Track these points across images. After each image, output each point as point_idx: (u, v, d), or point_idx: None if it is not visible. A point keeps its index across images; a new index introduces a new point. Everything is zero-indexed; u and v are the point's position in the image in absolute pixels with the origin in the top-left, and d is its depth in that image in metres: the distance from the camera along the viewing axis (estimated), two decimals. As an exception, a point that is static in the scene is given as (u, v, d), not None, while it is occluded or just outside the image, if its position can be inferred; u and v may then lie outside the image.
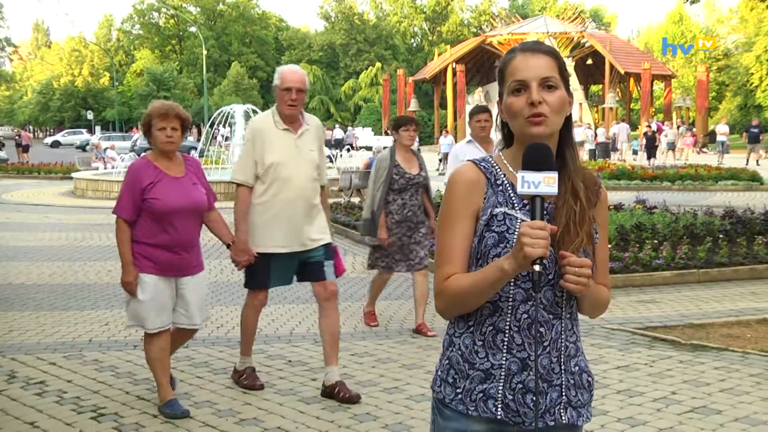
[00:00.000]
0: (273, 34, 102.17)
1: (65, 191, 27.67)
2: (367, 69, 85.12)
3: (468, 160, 2.59)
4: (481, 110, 8.36)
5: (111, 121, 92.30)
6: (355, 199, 20.06)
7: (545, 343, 2.43)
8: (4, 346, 7.90)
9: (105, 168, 34.88)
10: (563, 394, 2.47)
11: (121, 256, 5.79)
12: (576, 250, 2.38)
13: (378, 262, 8.51)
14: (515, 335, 2.42)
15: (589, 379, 2.56)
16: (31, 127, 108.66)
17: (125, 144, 54.30)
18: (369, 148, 49.23)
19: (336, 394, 6.20)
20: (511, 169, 2.50)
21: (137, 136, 58.83)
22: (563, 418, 2.47)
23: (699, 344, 7.61)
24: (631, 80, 61.10)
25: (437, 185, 11.23)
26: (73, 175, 29.98)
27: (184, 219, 5.85)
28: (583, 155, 42.17)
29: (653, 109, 61.00)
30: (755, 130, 38.88)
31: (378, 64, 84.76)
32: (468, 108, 61.74)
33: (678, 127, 46.96)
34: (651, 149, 38.90)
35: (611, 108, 56.52)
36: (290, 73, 6.27)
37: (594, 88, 72.84)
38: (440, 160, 35.88)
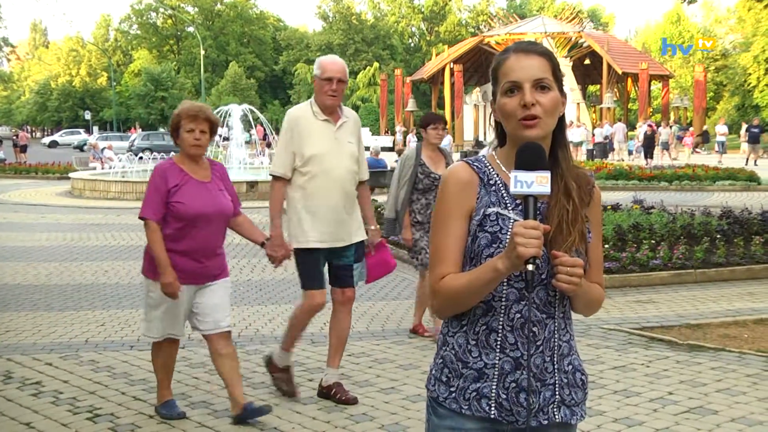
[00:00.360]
0: (271, 34, 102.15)
1: (62, 191, 27.65)
2: (364, 69, 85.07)
3: (461, 160, 2.60)
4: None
5: (109, 121, 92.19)
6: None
7: (538, 343, 2.44)
8: (0, 346, 7.89)
9: (102, 168, 34.86)
10: (556, 393, 2.48)
11: (157, 259, 5.48)
12: (568, 250, 2.39)
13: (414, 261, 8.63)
14: (508, 335, 2.43)
15: (583, 377, 2.57)
16: (28, 127, 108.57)
17: (123, 144, 54.35)
18: (367, 148, 49.22)
19: (333, 395, 6.18)
20: (504, 168, 2.50)
21: (135, 136, 58.89)
22: (556, 416, 2.48)
23: (696, 344, 7.60)
24: (629, 80, 61.14)
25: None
26: (71, 175, 29.95)
27: (208, 225, 5.61)
28: (582, 155, 42.25)
29: (651, 110, 61.05)
30: (756, 130, 38.95)
31: (376, 64, 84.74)
32: (466, 108, 61.92)
33: (670, 127, 47.00)
34: (649, 149, 38.93)
35: (609, 108, 56.53)
36: (331, 63, 6.08)
37: (592, 88, 72.87)
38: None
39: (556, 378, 2.48)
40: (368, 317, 9.03)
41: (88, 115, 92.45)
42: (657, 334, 8.01)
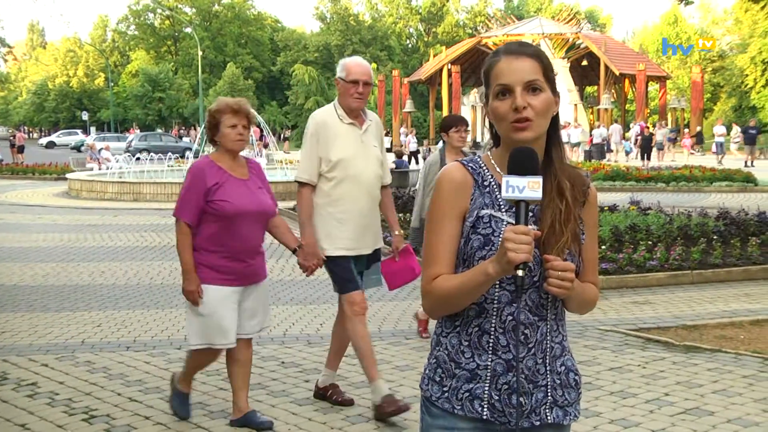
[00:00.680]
0: (268, 35, 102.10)
1: (60, 192, 27.63)
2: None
3: (456, 161, 2.59)
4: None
5: (106, 121, 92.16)
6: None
7: (530, 345, 2.45)
8: (-4, 347, 7.90)
9: (100, 169, 34.85)
10: (549, 394, 2.48)
11: (183, 263, 5.35)
12: (561, 251, 2.39)
13: None
14: (500, 337, 2.43)
15: (576, 377, 2.57)
16: (25, 128, 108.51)
17: (120, 145, 54.31)
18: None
19: (329, 396, 6.16)
20: (498, 170, 2.50)
21: (132, 137, 58.82)
22: (549, 417, 2.48)
23: (692, 345, 7.61)
24: (626, 81, 61.19)
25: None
26: (68, 175, 29.93)
27: (251, 224, 5.44)
28: (580, 156, 42.28)
29: (648, 111, 61.11)
30: (753, 132, 39.01)
31: (373, 65, 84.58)
32: (464, 109, 61.91)
33: (668, 129, 47.03)
34: (646, 150, 38.96)
35: (606, 109, 56.57)
36: (356, 65, 5.89)
37: (589, 89, 72.91)
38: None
39: (549, 379, 2.48)
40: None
41: (85, 116, 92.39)
42: (653, 335, 8.01)
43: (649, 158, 38.49)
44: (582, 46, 60.66)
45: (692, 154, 46.69)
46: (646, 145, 39.28)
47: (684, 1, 21.89)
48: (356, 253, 5.87)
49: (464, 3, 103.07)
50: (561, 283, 2.32)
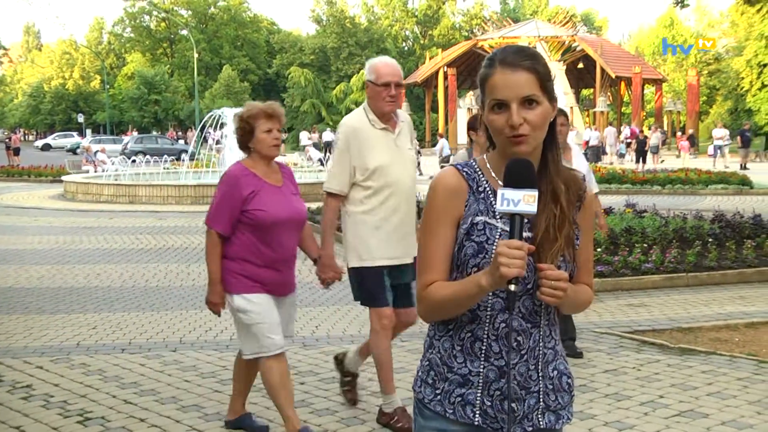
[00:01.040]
0: (264, 38, 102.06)
1: (55, 194, 27.60)
2: (358, 72, 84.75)
3: (451, 165, 2.57)
4: (557, 113, 7.86)
5: (102, 124, 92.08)
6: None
7: (522, 352, 2.44)
8: (-9, 349, 7.89)
9: (95, 171, 34.82)
10: (541, 399, 2.48)
11: (210, 273, 5.19)
12: (555, 256, 2.38)
13: None
14: (493, 344, 2.43)
15: (569, 381, 2.57)
16: (21, 130, 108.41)
17: (116, 147, 54.19)
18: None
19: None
20: (493, 174, 2.48)
21: (128, 139, 58.76)
22: (541, 423, 2.48)
23: (687, 348, 7.62)
24: (622, 84, 61.29)
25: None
26: (64, 178, 29.94)
27: (287, 232, 5.26)
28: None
29: (644, 113, 61.15)
30: (748, 134, 39.18)
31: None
32: (460, 112, 61.92)
33: (662, 132, 47.10)
34: (641, 153, 39.04)
35: (602, 112, 56.64)
36: (385, 66, 5.60)
37: (585, 92, 73.00)
38: (441, 165, 35.87)
39: (541, 385, 2.48)
40: (360, 320, 9.02)
41: (81, 118, 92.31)
42: (648, 338, 8.02)
43: (644, 161, 38.57)
44: (578, 48, 60.73)
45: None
46: (640, 149, 39.35)
47: (680, 4, 21.85)
48: (398, 262, 5.58)
49: (460, 6, 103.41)
50: (554, 292, 2.31)
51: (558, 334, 2.57)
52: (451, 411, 2.46)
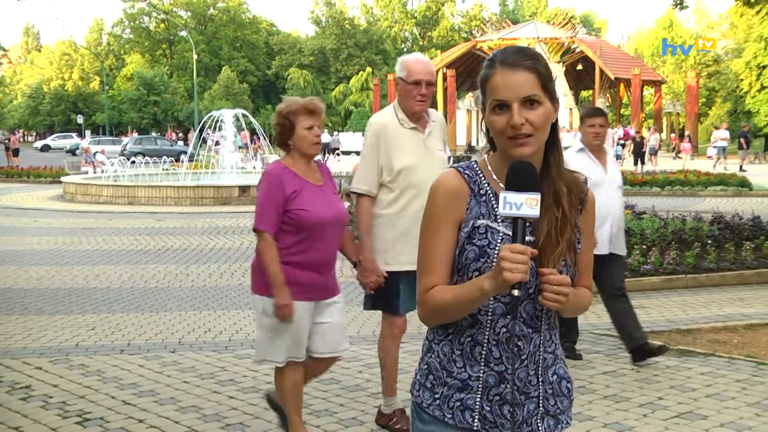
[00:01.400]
0: (264, 39, 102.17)
1: (54, 195, 27.59)
2: (357, 74, 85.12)
3: (451, 167, 2.53)
4: (594, 113, 7.33)
5: (101, 125, 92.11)
6: (345, 204, 20.01)
7: (523, 357, 2.41)
8: (-10, 350, 7.89)
9: (95, 172, 34.82)
10: (540, 405, 2.46)
11: (272, 277, 4.89)
12: (557, 260, 2.36)
13: None
14: (493, 348, 2.40)
15: (568, 385, 2.55)
16: (20, 131, 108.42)
17: (115, 148, 54.19)
18: (358, 153, 49.21)
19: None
20: (495, 177, 2.45)
21: (128, 140, 58.76)
22: (540, 428, 2.46)
23: (686, 350, 7.62)
24: (621, 86, 61.32)
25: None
26: (63, 179, 29.94)
27: (330, 233, 5.04)
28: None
29: (643, 115, 61.18)
30: (748, 136, 39.28)
31: (368, 69, 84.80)
32: (459, 113, 61.97)
33: (659, 133, 47.17)
34: (639, 155, 39.08)
35: (601, 113, 56.59)
36: (417, 63, 5.42)
37: (584, 93, 73.03)
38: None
39: (540, 390, 2.46)
40: (359, 321, 9.03)
41: (80, 119, 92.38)
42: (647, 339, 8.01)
43: (643, 162, 38.61)
44: (577, 50, 60.75)
45: (680, 158, 46.76)
46: (638, 150, 39.39)
47: (679, 6, 21.84)
48: None
49: (459, 7, 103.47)
50: (556, 297, 2.29)
51: (558, 338, 2.56)
52: (450, 416, 2.43)
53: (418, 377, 2.56)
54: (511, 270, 2.15)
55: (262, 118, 78.05)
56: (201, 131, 38.51)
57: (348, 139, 62.52)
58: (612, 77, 56.99)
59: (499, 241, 2.35)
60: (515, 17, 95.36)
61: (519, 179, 2.25)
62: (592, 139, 7.14)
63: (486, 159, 2.52)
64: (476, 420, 2.41)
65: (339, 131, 71.91)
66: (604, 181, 7.09)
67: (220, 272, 12.23)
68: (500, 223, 2.38)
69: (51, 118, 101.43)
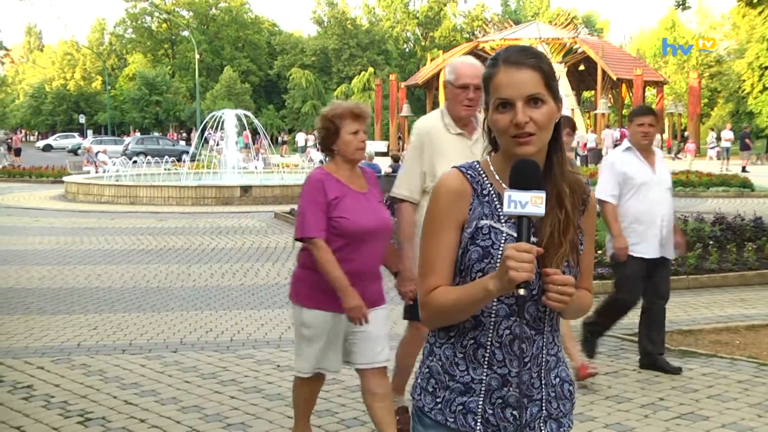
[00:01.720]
0: (266, 39, 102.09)
1: (56, 195, 27.59)
2: (359, 74, 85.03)
3: (454, 167, 2.51)
4: (643, 112, 7.12)
5: (103, 125, 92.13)
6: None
7: (526, 359, 2.40)
8: (-9, 350, 7.89)
9: (96, 172, 34.83)
10: (543, 407, 2.44)
11: (335, 281, 4.63)
12: (560, 262, 2.34)
13: None
14: (496, 351, 2.39)
15: (570, 388, 2.53)
16: (23, 131, 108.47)
17: (117, 148, 54.17)
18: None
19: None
20: (497, 177, 2.43)
21: (129, 140, 58.75)
22: (543, 431, 2.45)
23: (687, 350, 7.61)
24: (623, 86, 61.20)
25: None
26: (65, 178, 29.95)
27: (373, 242, 4.82)
28: (576, 161, 42.33)
29: (645, 116, 61.00)
30: (750, 137, 39.33)
31: (370, 69, 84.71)
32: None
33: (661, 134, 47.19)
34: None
35: (603, 114, 56.60)
36: (466, 66, 5.21)
37: (586, 94, 72.96)
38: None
39: (543, 393, 2.44)
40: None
41: (82, 119, 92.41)
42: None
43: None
44: (579, 50, 60.68)
45: (679, 159, 46.76)
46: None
47: (681, 6, 21.82)
48: None
49: (461, 7, 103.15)
50: (561, 297, 2.27)
51: (560, 341, 2.54)
52: (452, 419, 2.41)
53: (419, 380, 2.53)
54: (517, 269, 2.13)
55: (264, 119, 78.33)
56: (203, 131, 38.53)
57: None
58: (614, 78, 56.92)
59: (502, 241, 2.34)
60: (517, 17, 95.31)
61: (523, 177, 2.23)
62: (640, 138, 6.94)
63: (488, 159, 2.50)
64: (479, 423, 2.39)
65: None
66: (652, 182, 6.94)
67: (221, 272, 12.23)
68: (504, 224, 2.36)
69: (53, 117, 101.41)
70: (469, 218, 2.40)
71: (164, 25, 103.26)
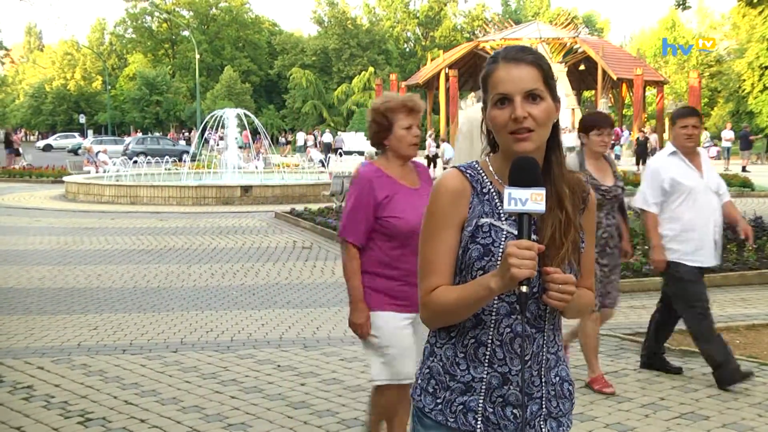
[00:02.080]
0: (266, 39, 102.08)
1: (57, 195, 27.58)
2: (359, 74, 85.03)
3: (453, 167, 2.52)
4: (687, 113, 6.78)
5: (103, 125, 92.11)
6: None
7: (526, 357, 2.40)
8: (-8, 350, 7.89)
9: (97, 172, 34.82)
10: (543, 406, 2.45)
11: (350, 291, 4.58)
12: (561, 262, 2.34)
13: None
14: (497, 349, 2.39)
15: (570, 388, 2.53)
16: (23, 131, 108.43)
17: (117, 148, 54.18)
18: (360, 153, 49.20)
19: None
20: (497, 177, 2.44)
21: (130, 140, 58.78)
22: (543, 429, 2.45)
23: (688, 350, 7.59)
24: (624, 86, 61.16)
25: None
26: (65, 178, 29.94)
27: None
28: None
29: (646, 115, 61.11)
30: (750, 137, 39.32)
31: (371, 69, 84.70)
32: (461, 114, 61.85)
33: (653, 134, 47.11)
34: (642, 155, 39.06)
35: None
36: None
37: (586, 93, 72.93)
38: (444, 167, 35.77)
39: (543, 391, 2.44)
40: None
41: (82, 119, 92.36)
42: (649, 340, 8.00)
43: (644, 163, 38.58)
44: (579, 50, 60.63)
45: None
46: (641, 151, 39.38)
47: (682, 6, 21.84)
48: None
49: (462, 7, 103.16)
50: (561, 296, 2.28)
51: (561, 340, 2.55)
52: (453, 419, 2.42)
53: (419, 382, 2.53)
54: (518, 266, 2.14)
55: (265, 118, 78.32)
56: (203, 131, 38.53)
57: (350, 139, 62.52)
58: (614, 78, 56.87)
59: (503, 239, 2.34)
60: (517, 17, 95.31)
61: (523, 175, 2.25)
62: (685, 141, 6.57)
63: (487, 160, 2.51)
64: (479, 422, 2.40)
65: (341, 131, 71.90)
66: (701, 186, 6.57)
67: (222, 272, 12.23)
68: (504, 222, 2.37)
69: (53, 117, 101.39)
70: (469, 217, 2.40)
71: (164, 25, 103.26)
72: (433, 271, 2.43)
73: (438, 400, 2.45)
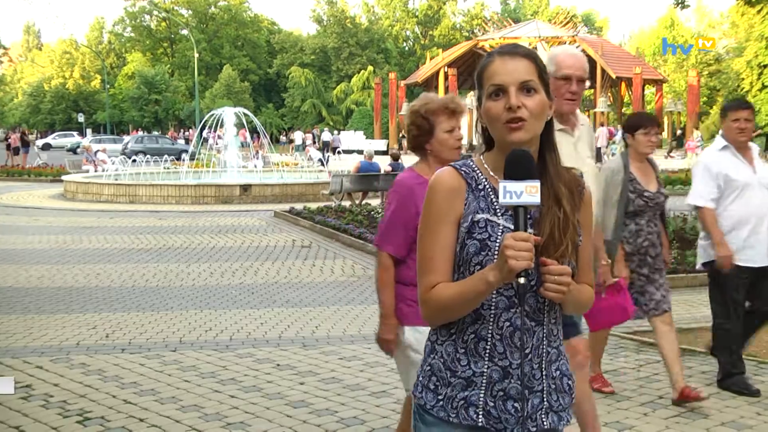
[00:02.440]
0: (265, 38, 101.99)
1: (55, 194, 27.57)
2: (359, 72, 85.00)
3: (449, 165, 2.54)
4: (739, 106, 6.54)
5: (102, 124, 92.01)
6: (346, 203, 20.04)
7: (527, 350, 2.41)
8: (-10, 349, 7.88)
9: (96, 171, 34.79)
10: (544, 399, 2.46)
11: (381, 304, 4.42)
12: (560, 258, 2.36)
13: None
14: (497, 343, 2.40)
15: (570, 383, 2.54)
16: (21, 129, 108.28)
17: (116, 147, 54.13)
18: (360, 152, 49.21)
19: None
20: (492, 173, 2.47)
21: (129, 139, 58.74)
22: (545, 423, 2.46)
23: (687, 348, 7.60)
24: (623, 85, 61.23)
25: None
26: (64, 177, 29.92)
27: None
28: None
29: (644, 114, 61.06)
30: None
31: (370, 68, 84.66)
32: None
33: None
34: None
35: (603, 112, 56.59)
36: (567, 56, 4.81)
37: (586, 92, 72.83)
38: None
39: (544, 384, 2.46)
40: (360, 320, 9.02)
41: (81, 118, 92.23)
42: (648, 338, 7.98)
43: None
44: (578, 49, 60.69)
45: (671, 157, 46.73)
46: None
47: (680, 5, 21.87)
48: None
49: (461, 6, 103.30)
50: (558, 287, 2.31)
51: (562, 334, 2.56)
52: (454, 414, 2.43)
53: (421, 379, 2.54)
54: (516, 258, 2.17)
55: (264, 117, 78.27)
56: (202, 130, 38.51)
57: (349, 138, 62.50)
58: (613, 76, 56.92)
59: (499, 234, 2.37)
60: (516, 16, 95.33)
61: (517, 168, 2.28)
62: (737, 135, 6.32)
63: (482, 158, 2.54)
64: (480, 416, 2.41)
65: (340, 130, 71.89)
66: (753, 181, 6.33)
67: (221, 271, 12.23)
68: (500, 217, 2.40)
69: (52, 116, 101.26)
70: (465, 213, 2.43)
71: (163, 24, 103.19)
72: (431, 269, 2.45)
73: (439, 397, 2.46)
